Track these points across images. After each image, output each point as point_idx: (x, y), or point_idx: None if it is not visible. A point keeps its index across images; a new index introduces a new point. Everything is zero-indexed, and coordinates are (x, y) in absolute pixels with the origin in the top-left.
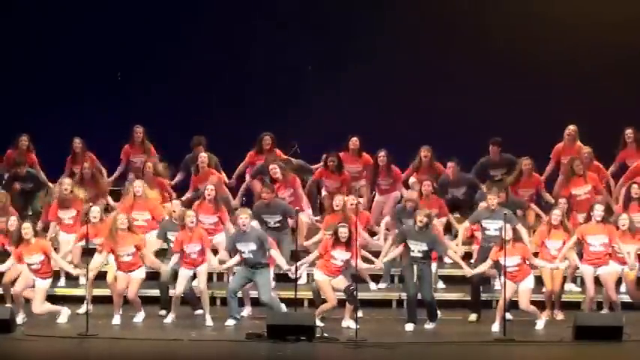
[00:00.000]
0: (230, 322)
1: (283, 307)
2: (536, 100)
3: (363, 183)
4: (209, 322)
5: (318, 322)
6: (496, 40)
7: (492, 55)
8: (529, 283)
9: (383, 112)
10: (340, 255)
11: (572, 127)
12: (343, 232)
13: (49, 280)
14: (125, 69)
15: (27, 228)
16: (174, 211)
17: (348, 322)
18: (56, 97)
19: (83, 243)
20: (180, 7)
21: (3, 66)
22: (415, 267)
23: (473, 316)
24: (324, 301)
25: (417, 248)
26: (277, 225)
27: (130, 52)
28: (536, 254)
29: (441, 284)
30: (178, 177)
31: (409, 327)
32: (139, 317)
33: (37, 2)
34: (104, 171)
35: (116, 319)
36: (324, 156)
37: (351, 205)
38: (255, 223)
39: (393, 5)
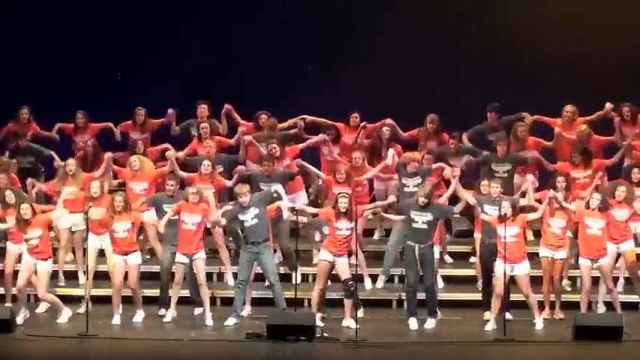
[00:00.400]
0: (231, 320)
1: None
2: (537, 100)
3: (358, 155)
4: (209, 321)
5: (319, 322)
6: (496, 39)
7: (493, 54)
8: (525, 267)
9: (383, 112)
10: (344, 225)
11: (570, 109)
12: (343, 202)
13: (50, 261)
14: (125, 69)
15: (26, 209)
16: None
17: (348, 322)
18: (56, 98)
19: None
20: (180, 7)
21: (3, 66)
22: (417, 248)
23: (488, 314)
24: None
25: (422, 219)
26: (275, 195)
27: (130, 52)
28: (538, 235)
29: (440, 284)
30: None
31: (412, 322)
32: (139, 317)
33: (37, 2)
34: (114, 129)
35: (116, 319)
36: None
37: (356, 161)
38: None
39: (393, 5)
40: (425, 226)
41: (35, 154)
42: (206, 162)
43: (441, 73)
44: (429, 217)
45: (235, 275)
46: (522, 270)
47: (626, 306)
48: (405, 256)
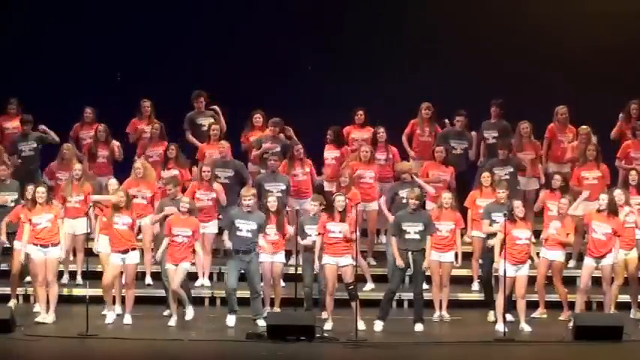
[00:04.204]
0: (231, 319)
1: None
2: (538, 98)
3: (366, 149)
4: (172, 322)
5: (329, 327)
6: (497, 35)
7: (493, 54)
8: (525, 270)
9: (383, 112)
10: (336, 227)
11: (564, 109)
12: (340, 200)
13: (59, 248)
14: (125, 69)
15: (41, 192)
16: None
17: (359, 324)
18: (56, 98)
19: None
20: (180, 8)
21: (2, 67)
22: (410, 255)
23: (492, 315)
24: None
25: (413, 230)
26: (279, 194)
27: (130, 52)
28: (537, 235)
29: (424, 285)
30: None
31: (378, 325)
32: (127, 319)
33: (37, 2)
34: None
35: (110, 317)
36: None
37: (365, 155)
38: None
39: (392, 5)
40: (417, 237)
41: (38, 141)
42: (205, 167)
43: (443, 71)
44: (420, 227)
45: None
46: (523, 272)
47: (625, 306)
48: (394, 262)
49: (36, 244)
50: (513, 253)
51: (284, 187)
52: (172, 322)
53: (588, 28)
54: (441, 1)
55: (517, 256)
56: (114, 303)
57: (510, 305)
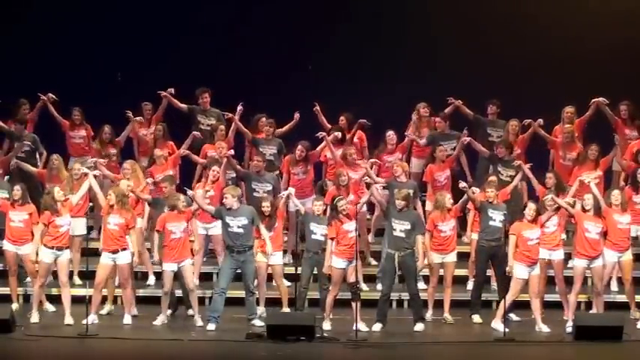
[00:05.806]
0: (211, 326)
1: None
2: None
3: (352, 151)
4: (199, 322)
5: (327, 326)
6: (497, 35)
7: (493, 54)
8: (538, 269)
9: (383, 112)
10: (350, 227)
11: (570, 109)
12: (343, 204)
13: (69, 250)
14: (125, 69)
15: (57, 191)
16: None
17: (360, 324)
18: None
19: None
20: (180, 8)
21: (3, 67)
22: (396, 255)
23: (477, 317)
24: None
25: (399, 227)
26: (265, 195)
27: (129, 52)
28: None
29: (423, 285)
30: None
31: (377, 327)
32: (127, 319)
33: (38, 2)
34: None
35: (91, 318)
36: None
37: (351, 157)
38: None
39: (390, 7)
40: (402, 235)
41: (33, 143)
42: (215, 168)
43: (443, 72)
44: (407, 225)
45: None
46: (536, 272)
47: (623, 306)
48: (384, 264)
49: (51, 247)
50: (527, 254)
51: (270, 188)
52: (159, 321)
53: (590, 27)
54: (442, 1)
55: (532, 256)
56: (103, 303)
57: (511, 305)
